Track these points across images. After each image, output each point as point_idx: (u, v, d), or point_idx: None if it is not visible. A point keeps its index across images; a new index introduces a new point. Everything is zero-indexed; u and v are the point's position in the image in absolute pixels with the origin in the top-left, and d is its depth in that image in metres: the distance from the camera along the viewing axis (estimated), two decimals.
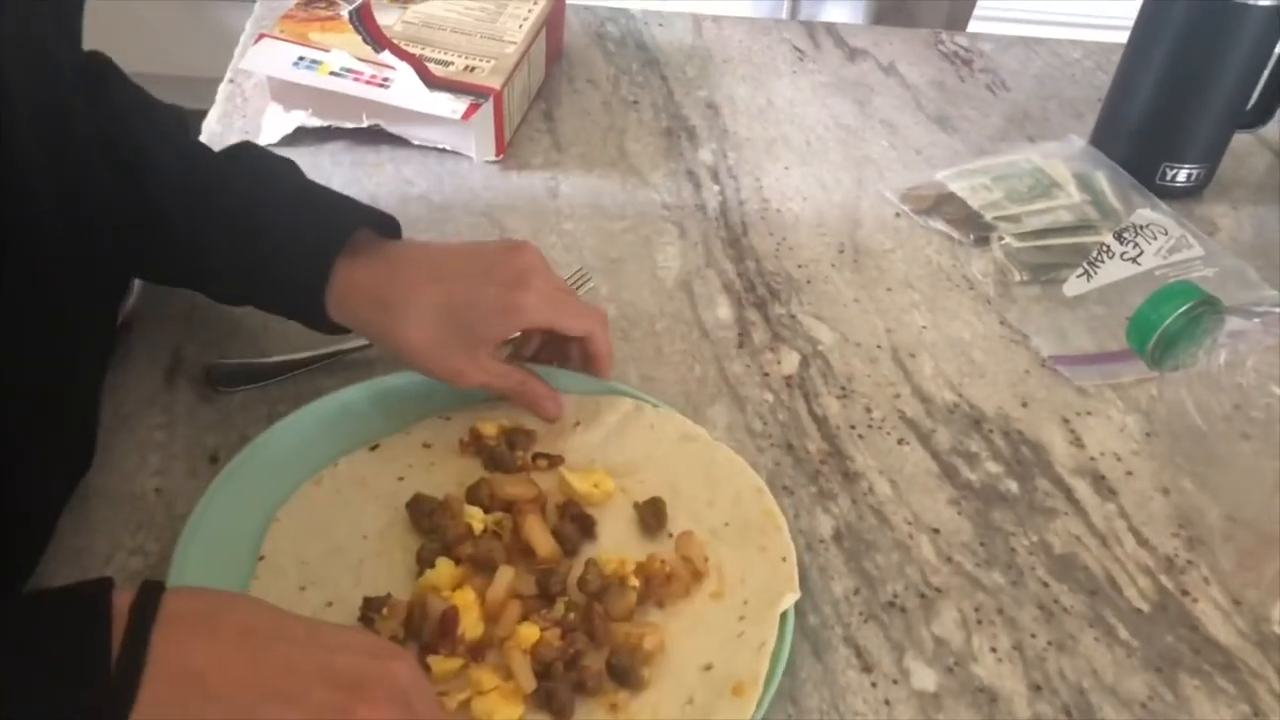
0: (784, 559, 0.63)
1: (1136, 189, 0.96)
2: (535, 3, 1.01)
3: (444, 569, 0.61)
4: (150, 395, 0.72)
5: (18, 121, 0.54)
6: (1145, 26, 0.95)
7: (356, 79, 0.91)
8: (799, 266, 0.88)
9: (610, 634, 0.59)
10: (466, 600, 0.59)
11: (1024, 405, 0.78)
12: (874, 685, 0.61)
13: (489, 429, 0.69)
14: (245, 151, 0.72)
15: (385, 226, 0.70)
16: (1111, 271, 0.84)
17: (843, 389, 0.78)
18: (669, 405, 0.72)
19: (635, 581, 0.61)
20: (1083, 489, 0.73)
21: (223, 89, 0.99)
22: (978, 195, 0.95)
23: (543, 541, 0.63)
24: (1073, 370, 0.81)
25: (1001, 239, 0.90)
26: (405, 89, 0.91)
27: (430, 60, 0.93)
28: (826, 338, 0.82)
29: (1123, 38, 0.98)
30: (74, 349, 0.63)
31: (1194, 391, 0.71)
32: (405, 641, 0.58)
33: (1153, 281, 0.80)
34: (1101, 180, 0.96)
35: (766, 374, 0.79)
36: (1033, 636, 0.64)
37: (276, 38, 0.94)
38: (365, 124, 0.93)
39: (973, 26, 1.36)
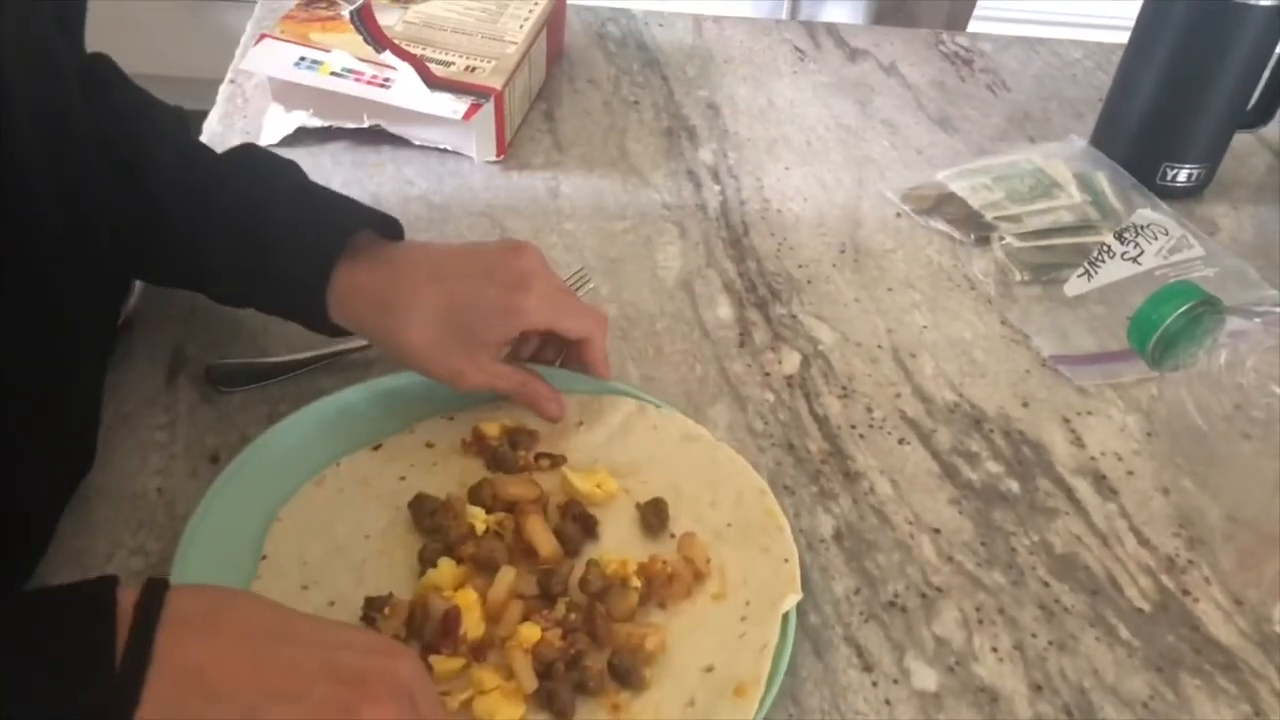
0: (786, 560, 0.63)
1: (1137, 189, 0.96)
2: (536, 3, 1.01)
3: (446, 569, 0.61)
4: (151, 395, 0.72)
5: (18, 121, 0.54)
6: (1146, 26, 0.95)
7: (357, 79, 0.91)
8: (800, 266, 0.88)
9: (612, 634, 0.59)
10: (468, 600, 0.59)
11: (1025, 405, 0.78)
12: (875, 685, 0.61)
13: (491, 429, 0.69)
14: (246, 152, 0.72)
15: (387, 228, 0.70)
16: (1112, 271, 0.84)
17: (844, 389, 0.78)
18: (670, 405, 0.72)
19: (637, 582, 0.61)
20: (1083, 489, 0.73)
21: (223, 89, 0.99)
22: (978, 195, 0.95)
23: (545, 541, 0.63)
24: (1073, 370, 0.81)
25: (1002, 239, 0.90)
26: (406, 89, 0.91)
27: (431, 60, 0.93)
28: (827, 338, 0.82)
29: (1123, 38, 0.98)
30: (74, 349, 0.63)
31: (1194, 391, 0.71)
32: (407, 641, 0.58)
33: (1153, 281, 0.81)
34: (1102, 180, 0.96)
35: (767, 374, 0.79)
36: (1034, 636, 0.64)
37: (277, 38, 0.94)
38: (366, 124, 0.93)
39: (973, 26, 1.36)
